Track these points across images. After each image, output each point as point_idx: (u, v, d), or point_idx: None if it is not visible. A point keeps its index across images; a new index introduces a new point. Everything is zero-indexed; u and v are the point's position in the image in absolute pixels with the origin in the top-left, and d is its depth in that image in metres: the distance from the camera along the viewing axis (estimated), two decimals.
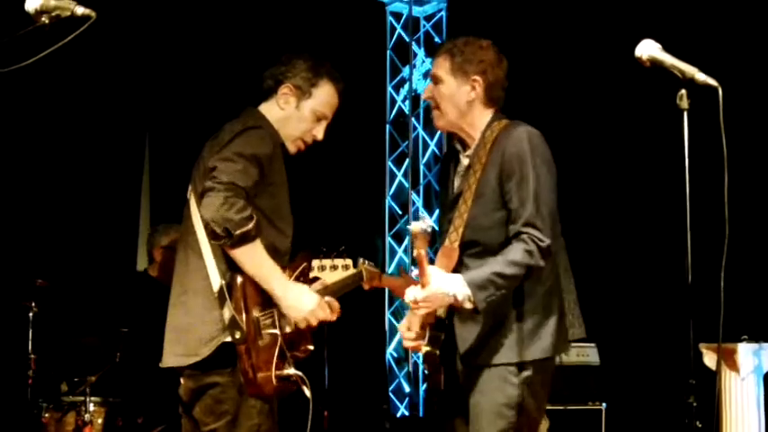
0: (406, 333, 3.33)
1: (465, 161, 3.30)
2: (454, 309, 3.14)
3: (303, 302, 3.25)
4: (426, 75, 8.21)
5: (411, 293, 3.05)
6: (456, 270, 3.13)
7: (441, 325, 3.24)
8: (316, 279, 3.47)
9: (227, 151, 3.16)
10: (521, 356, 3.14)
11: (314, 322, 3.27)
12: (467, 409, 3.21)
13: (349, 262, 3.55)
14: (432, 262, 3.13)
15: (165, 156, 7.26)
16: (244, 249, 3.12)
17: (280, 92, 3.41)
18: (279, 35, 7.13)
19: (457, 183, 3.32)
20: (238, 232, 3.07)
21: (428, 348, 3.25)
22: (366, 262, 3.52)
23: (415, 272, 3.18)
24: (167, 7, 6.90)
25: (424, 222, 2.99)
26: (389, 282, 4.94)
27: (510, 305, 3.15)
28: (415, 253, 3.03)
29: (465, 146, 3.32)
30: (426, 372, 3.36)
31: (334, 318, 3.38)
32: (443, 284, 3.03)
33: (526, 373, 3.14)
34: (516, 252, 3.05)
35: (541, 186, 3.10)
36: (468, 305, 3.03)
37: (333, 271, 3.52)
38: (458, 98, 3.26)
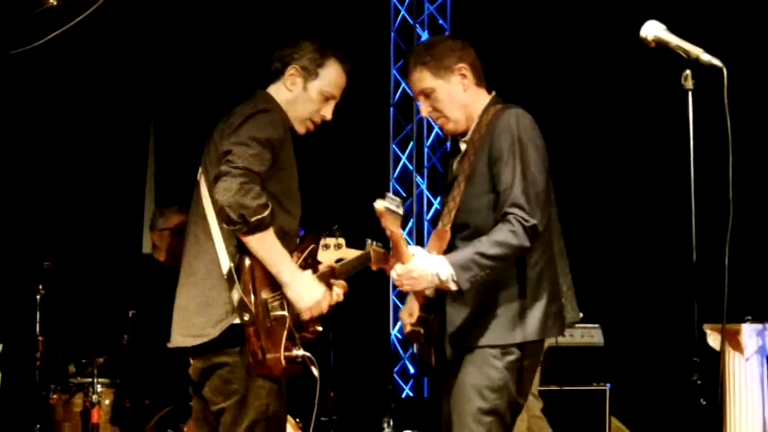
0: (407, 319, 3.35)
1: (462, 146, 3.33)
2: (443, 291, 3.15)
3: (309, 293, 3.24)
4: None
5: (394, 270, 3.08)
6: (448, 252, 3.13)
7: (430, 307, 3.26)
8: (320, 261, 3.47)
9: (242, 135, 3.15)
10: (505, 339, 3.15)
11: (316, 314, 3.27)
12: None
13: (341, 241, 3.47)
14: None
15: (170, 139, 7.26)
16: (257, 236, 3.12)
17: (287, 74, 3.42)
18: (282, 19, 7.12)
19: (454, 167, 3.35)
20: (254, 219, 3.07)
21: (413, 327, 3.28)
22: (374, 243, 3.51)
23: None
24: None
25: (391, 201, 2.99)
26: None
27: (498, 289, 3.16)
28: (387, 233, 3.02)
29: (464, 133, 3.34)
30: (416, 350, 3.36)
31: (342, 298, 3.39)
32: (426, 264, 3.04)
33: (510, 357, 3.15)
34: (500, 232, 3.05)
35: (528, 167, 3.10)
36: (453, 286, 3.03)
37: (325, 250, 3.43)
38: (455, 93, 3.29)
